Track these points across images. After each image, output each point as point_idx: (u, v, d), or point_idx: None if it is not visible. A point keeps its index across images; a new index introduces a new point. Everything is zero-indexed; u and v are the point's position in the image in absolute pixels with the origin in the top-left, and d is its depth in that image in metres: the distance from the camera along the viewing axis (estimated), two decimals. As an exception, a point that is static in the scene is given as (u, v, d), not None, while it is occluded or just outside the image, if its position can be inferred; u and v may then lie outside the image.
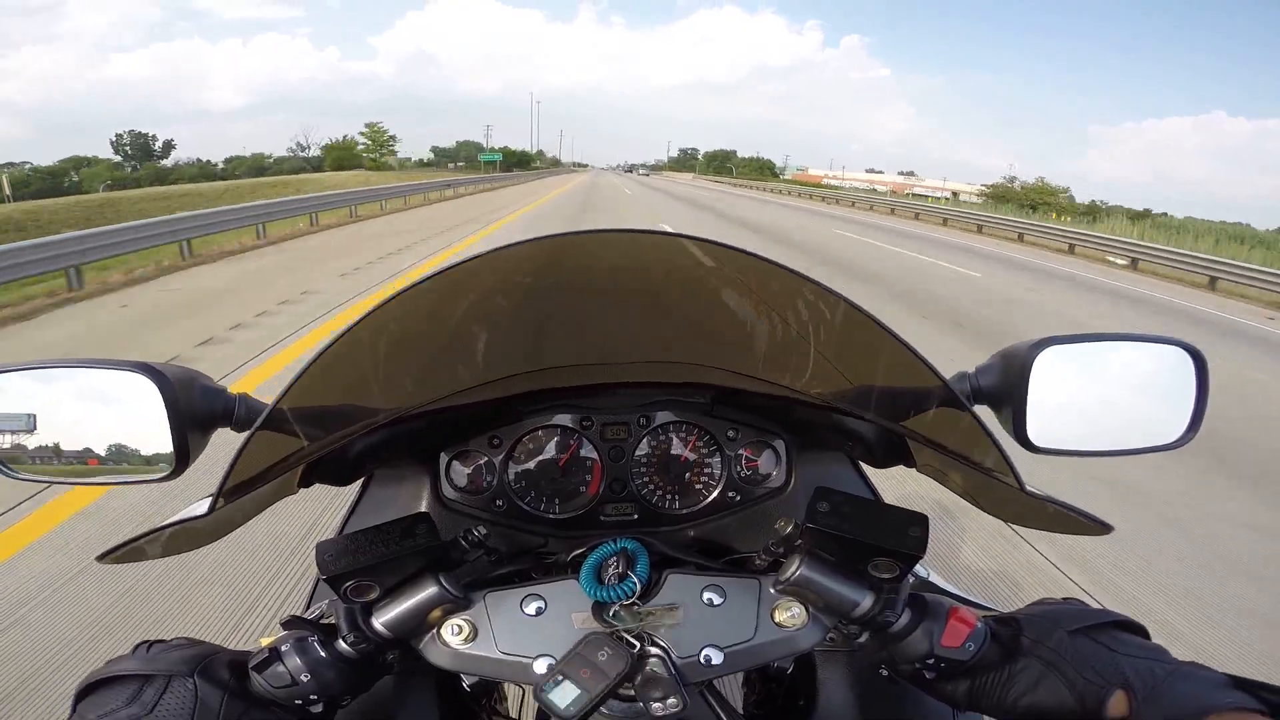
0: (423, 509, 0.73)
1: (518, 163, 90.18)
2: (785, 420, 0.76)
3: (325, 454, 0.58)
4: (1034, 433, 0.61)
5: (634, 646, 0.51)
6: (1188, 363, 0.65)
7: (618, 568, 0.55)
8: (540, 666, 0.52)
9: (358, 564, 0.49)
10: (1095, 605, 0.54)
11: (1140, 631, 0.51)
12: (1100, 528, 0.45)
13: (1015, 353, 0.61)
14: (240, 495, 0.47)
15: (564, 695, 0.49)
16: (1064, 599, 0.56)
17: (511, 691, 0.98)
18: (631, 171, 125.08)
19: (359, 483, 0.77)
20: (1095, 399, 0.64)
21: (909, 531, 0.49)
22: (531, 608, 0.54)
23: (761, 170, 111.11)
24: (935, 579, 0.73)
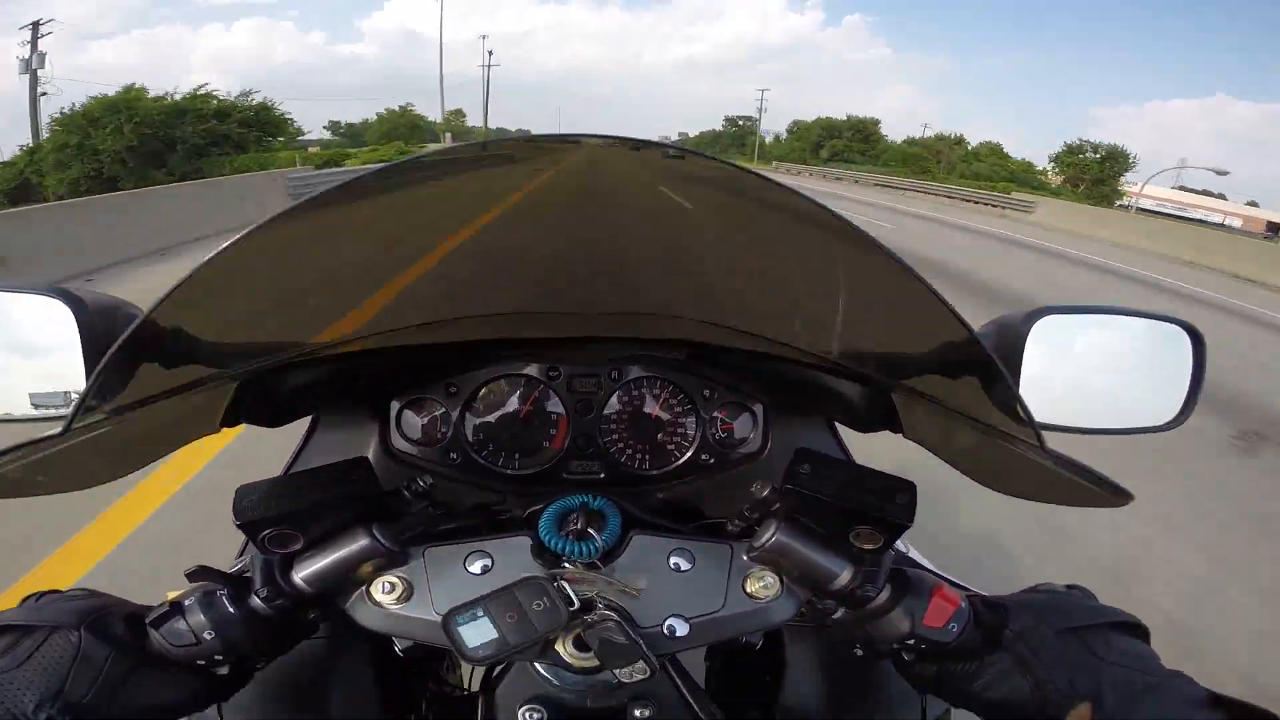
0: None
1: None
2: (764, 379, 0.72)
3: (252, 387, 0.52)
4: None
5: (573, 605, 0.46)
6: (1185, 342, 0.62)
7: (578, 524, 0.50)
8: None
9: (277, 510, 0.44)
10: (1097, 600, 0.50)
11: (1139, 633, 0.48)
12: (1116, 497, 0.40)
13: (1010, 321, 0.58)
14: (126, 412, 0.40)
15: (477, 633, 0.44)
16: (1067, 587, 0.52)
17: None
18: None
19: (305, 430, 0.72)
20: (1088, 373, 0.62)
21: (895, 499, 0.45)
22: (476, 565, 0.49)
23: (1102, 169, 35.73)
24: (915, 555, 0.70)
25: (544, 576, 0.47)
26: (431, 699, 0.70)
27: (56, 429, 0.37)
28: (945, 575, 0.59)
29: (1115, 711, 0.42)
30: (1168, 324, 0.63)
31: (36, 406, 0.52)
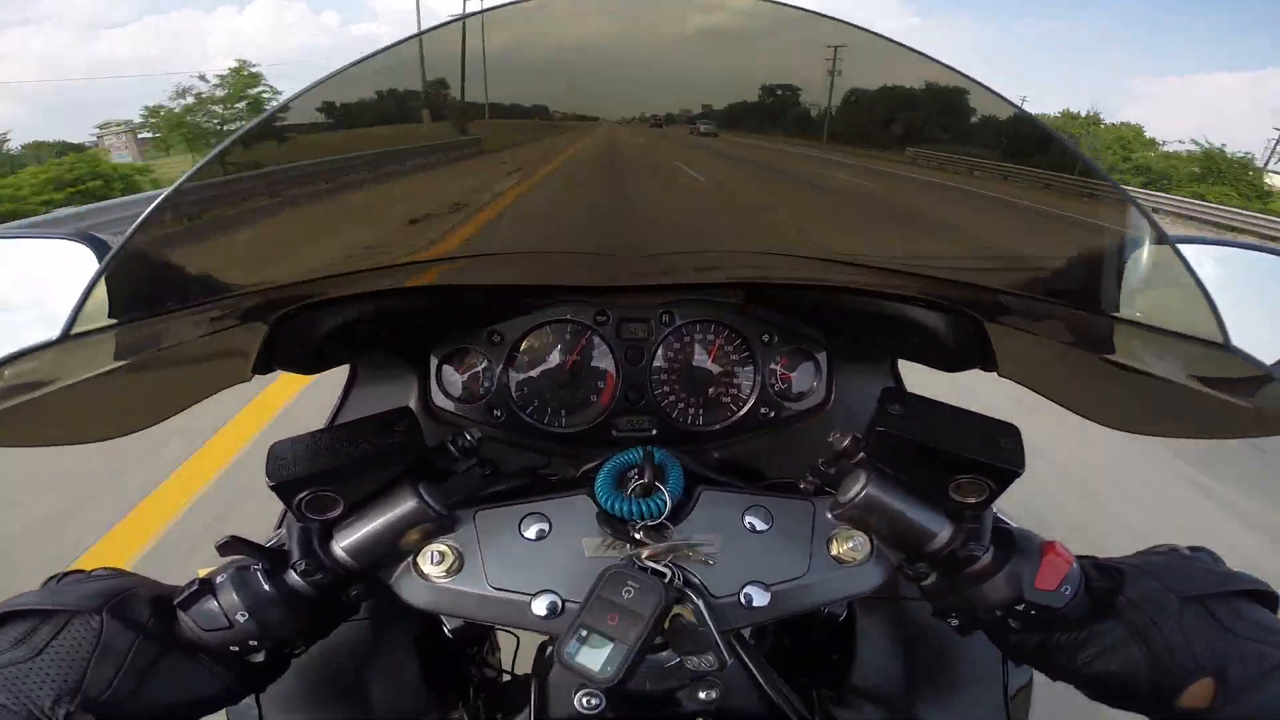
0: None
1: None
2: (828, 319, 0.67)
3: (285, 331, 0.48)
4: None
5: (664, 576, 0.42)
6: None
7: (642, 479, 0.45)
8: (540, 606, 0.42)
9: (316, 467, 0.39)
10: (1224, 564, 0.45)
11: (1268, 600, 0.43)
12: None
13: (1108, 251, 0.53)
14: (133, 318, 0.37)
15: (594, 654, 0.39)
16: (1191, 549, 0.46)
17: (506, 641, 0.91)
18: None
19: (344, 387, 0.69)
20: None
21: (1000, 443, 0.39)
22: (532, 530, 0.44)
23: None
24: (1001, 515, 0.66)
25: (620, 562, 0.42)
26: (480, 685, 0.66)
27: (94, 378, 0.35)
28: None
29: (1240, 688, 0.38)
30: (1274, 256, 0.58)
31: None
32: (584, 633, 0.40)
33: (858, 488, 0.43)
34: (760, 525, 0.45)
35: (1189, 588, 0.42)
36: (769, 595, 0.43)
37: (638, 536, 0.43)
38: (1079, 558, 0.46)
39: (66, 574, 0.44)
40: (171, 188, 0.34)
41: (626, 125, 0.46)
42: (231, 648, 0.41)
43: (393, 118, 0.44)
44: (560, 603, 0.42)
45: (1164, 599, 0.42)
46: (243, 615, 0.41)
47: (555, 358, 0.68)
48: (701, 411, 0.69)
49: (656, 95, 0.46)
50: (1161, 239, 0.36)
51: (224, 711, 0.56)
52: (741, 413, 0.69)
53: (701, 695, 0.49)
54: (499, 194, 0.52)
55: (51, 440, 0.44)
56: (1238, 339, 0.60)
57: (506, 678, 0.72)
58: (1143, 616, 0.42)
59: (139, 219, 0.34)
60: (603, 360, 0.68)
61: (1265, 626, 0.41)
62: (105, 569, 0.45)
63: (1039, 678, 0.59)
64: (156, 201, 0.34)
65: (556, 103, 0.46)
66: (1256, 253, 0.58)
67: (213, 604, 0.41)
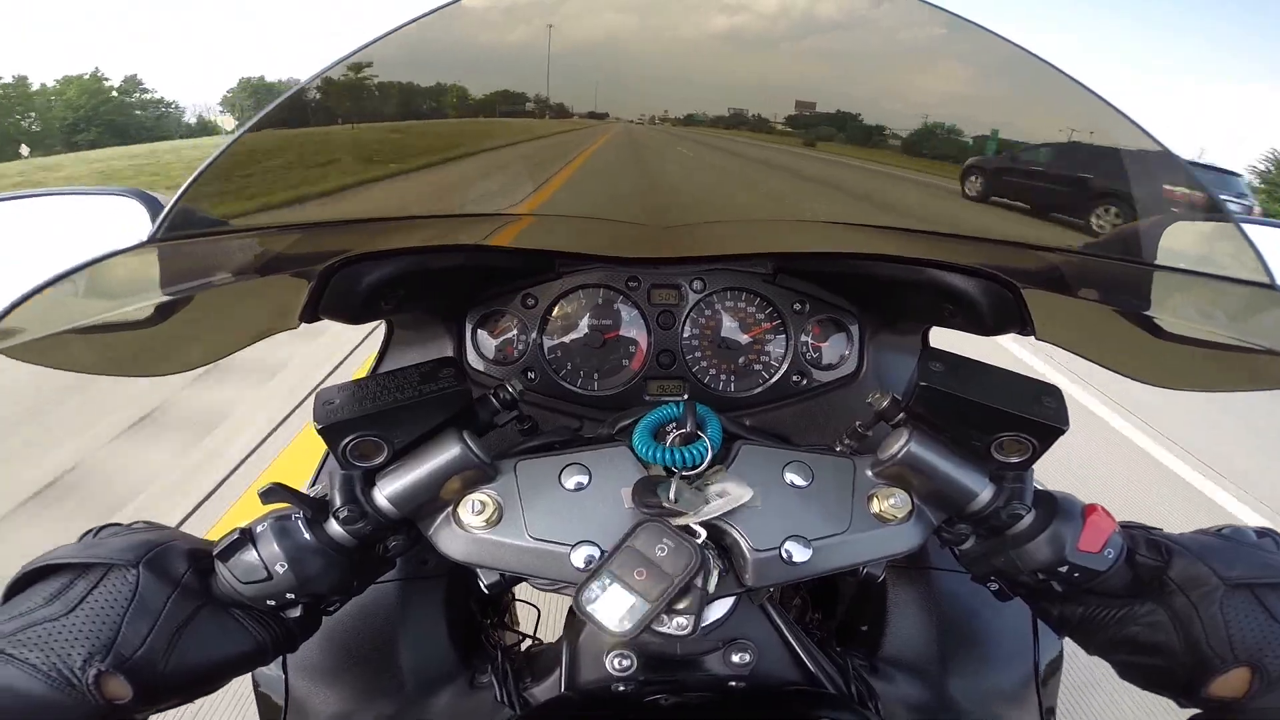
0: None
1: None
2: (859, 289, 0.67)
3: (332, 281, 0.50)
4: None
5: (697, 536, 0.41)
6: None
7: (686, 426, 0.46)
8: (579, 558, 0.42)
9: (364, 411, 0.40)
10: None
11: None
12: None
13: (1137, 230, 0.54)
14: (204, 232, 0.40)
15: (612, 606, 0.39)
16: (1258, 532, 0.44)
17: (525, 613, 0.88)
18: None
19: (380, 346, 0.71)
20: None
21: (1044, 401, 0.40)
22: (572, 481, 0.44)
23: None
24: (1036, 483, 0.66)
25: (657, 515, 0.42)
26: (506, 649, 0.66)
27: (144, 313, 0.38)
28: None
29: (1278, 679, 0.37)
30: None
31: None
32: (608, 581, 0.40)
33: (900, 444, 0.43)
34: (800, 481, 0.45)
35: (1239, 573, 0.40)
36: (810, 551, 0.42)
37: (675, 488, 0.43)
38: (1129, 525, 0.45)
39: (104, 527, 0.44)
40: (245, 128, 0.37)
41: (645, 125, 0.47)
42: (268, 602, 0.41)
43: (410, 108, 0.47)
44: (599, 553, 0.42)
45: (1209, 583, 0.40)
46: (282, 566, 0.41)
47: (588, 322, 0.69)
48: (733, 378, 0.70)
49: (684, 96, 0.47)
50: (1212, 204, 0.37)
51: (250, 676, 0.57)
52: (773, 380, 0.69)
53: (735, 659, 0.49)
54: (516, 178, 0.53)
55: (93, 368, 0.44)
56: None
57: (529, 642, 0.72)
58: (1184, 600, 0.40)
59: (219, 150, 0.36)
60: (634, 325, 0.70)
61: None
62: (143, 522, 0.45)
63: (1068, 656, 0.59)
64: (237, 136, 0.37)
65: (576, 101, 0.48)
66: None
67: (252, 554, 0.41)
